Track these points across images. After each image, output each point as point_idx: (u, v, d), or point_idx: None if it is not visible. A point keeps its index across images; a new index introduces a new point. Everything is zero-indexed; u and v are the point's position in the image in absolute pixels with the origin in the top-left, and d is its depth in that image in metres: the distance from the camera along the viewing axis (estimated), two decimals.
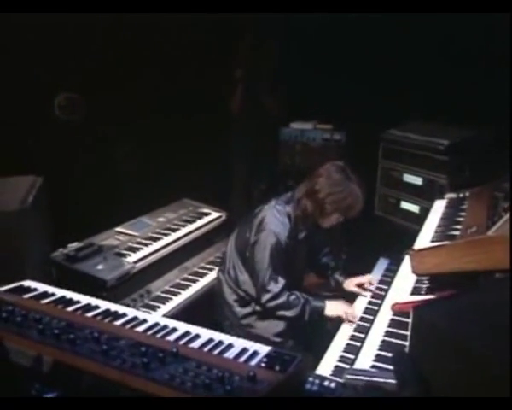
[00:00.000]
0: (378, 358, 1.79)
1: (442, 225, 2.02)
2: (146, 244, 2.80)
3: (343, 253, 3.12)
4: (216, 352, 1.30)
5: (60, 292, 1.67)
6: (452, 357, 1.01)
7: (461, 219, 2.00)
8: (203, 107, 3.79)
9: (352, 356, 2.02)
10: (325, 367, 1.98)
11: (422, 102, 3.20)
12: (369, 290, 2.48)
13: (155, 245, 2.82)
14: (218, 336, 1.40)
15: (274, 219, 2.35)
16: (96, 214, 3.19)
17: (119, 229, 2.96)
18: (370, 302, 2.43)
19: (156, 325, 1.45)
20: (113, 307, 1.58)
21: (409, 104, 3.24)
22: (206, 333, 1.42)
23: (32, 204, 1.94)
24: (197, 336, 1.39)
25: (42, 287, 1.71)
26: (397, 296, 2.09)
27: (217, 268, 2.99)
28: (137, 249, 2.74)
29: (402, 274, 2.45)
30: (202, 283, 2.87)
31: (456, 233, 1.85)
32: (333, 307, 2.30)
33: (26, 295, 1.60)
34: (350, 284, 2.58)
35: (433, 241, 1.85)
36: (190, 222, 3.17)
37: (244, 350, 1.32)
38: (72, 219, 3.03)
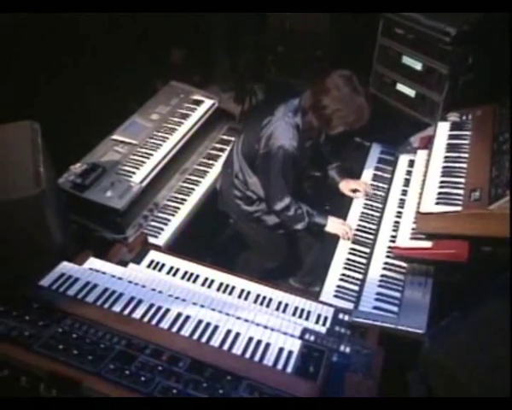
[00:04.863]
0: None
1: (446, 176, 2.12)
2: (147, 156, 2.81)
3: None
4: (257, 358, 1.56)
5: (99, 281, 1.82)
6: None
7: (464, 165, 2.10)
8: None
9: (352, 273, 2.34)
10: (328, 289, 2.29)
11: None
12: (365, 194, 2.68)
13: (157, 156, 2.83)
14: (255, 332, 1.64)
15: (284, 133, 2.37)
16: (84, 120, 3.05)
17: (115, 137, 2.90)
18: (367, 206, 2.67)
19: (200, 323, 1.67)
20: (156, 299, 1.75)
21: None
22: (244, 328, 1.65)
23: (45, 178, 1.90)
24: (238, 336, 1.63)
25: (80, 273, 1.85)
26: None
27: (215, 162, 3.10)
28: (140, 164, 2.76)
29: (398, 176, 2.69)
30: (205, 185, 2.96)
31: (460, 192, 1.97)
32: (334, 226, 2.50)
33: (72, 291, 1.75)
34: (345, 187, 2.74)
35: (437, 203, 1.98)
36: (186, 117, 3.11)
37: (281, 351, 1.58)
38: (60, 132, 2.89)
